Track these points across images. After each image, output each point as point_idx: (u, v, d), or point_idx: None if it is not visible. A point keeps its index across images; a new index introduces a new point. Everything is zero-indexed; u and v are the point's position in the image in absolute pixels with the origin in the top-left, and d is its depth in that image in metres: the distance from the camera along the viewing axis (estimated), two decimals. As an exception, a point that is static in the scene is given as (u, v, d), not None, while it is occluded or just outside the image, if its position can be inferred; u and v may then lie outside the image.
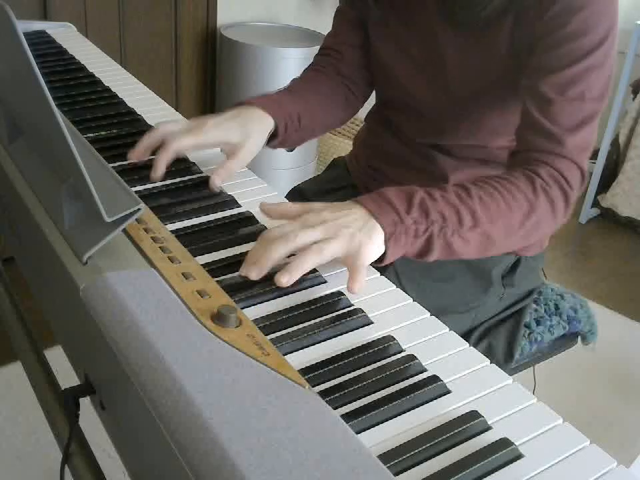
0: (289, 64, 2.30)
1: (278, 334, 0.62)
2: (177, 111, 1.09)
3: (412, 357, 0.61)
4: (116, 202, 0.63)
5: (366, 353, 0.61)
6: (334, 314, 0.65)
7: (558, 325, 1.06)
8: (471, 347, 0.63)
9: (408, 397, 0.56)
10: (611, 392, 1.90)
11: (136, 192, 0.69)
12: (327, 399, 0.55)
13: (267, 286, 0.67)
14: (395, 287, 0.71)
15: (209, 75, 2.48)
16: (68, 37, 1.37)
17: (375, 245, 0.69)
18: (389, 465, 0.49)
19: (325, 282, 0.70)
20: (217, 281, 0.65)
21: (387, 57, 1.01)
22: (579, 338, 1.11)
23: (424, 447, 0.51)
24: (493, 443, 0.52)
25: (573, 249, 2.61)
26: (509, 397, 0.58)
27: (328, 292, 0.69)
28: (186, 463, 0.45)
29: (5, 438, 1.56)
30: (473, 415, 0.55)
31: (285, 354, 0.59)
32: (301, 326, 0.63)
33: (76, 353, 0.70)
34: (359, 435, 0.52)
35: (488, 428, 0.54)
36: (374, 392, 0.57)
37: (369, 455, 0.46)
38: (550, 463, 0.52)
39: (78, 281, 0.60)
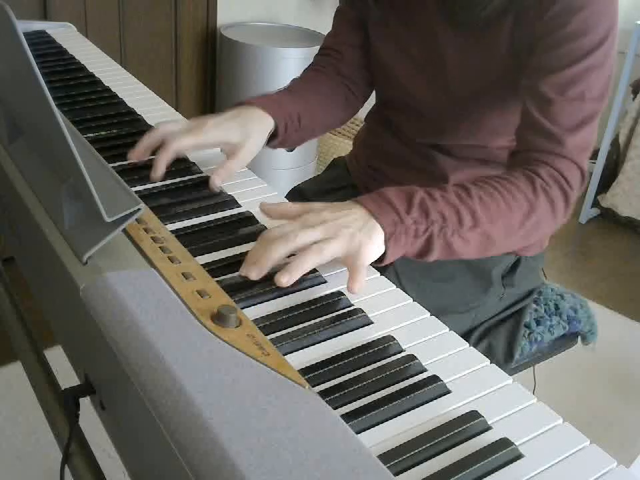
0: (289, 64, 2.30)
1: (278, 334, 0.62)
2: (177, 110, 1.09)
3: (412, 357, 0.61)
4: (116, 202, 0.63)
5: (366, 353, 0.61)
6: (334, 314, 0.65)
7: (558, 325, 1.06)
8: (471, 347, 0.63)
9: (408, 397, 0.56)
10: (611, 392, 1.90)
11: (136, 192, 0.69)
12: (327, 399, 0.55)
13: (267, 286, 0.67)
14: (394, 287, 0.71)
15: (209, 75, 2.48)
16: (68, 37, 1.37)
17: (375, 245, 0.69)
18: (389, 465, 0.49)
19: (325, 282, 0.70)
20: (217, 281, 0.65)
21: (387, 56, 1.01)
22: (579, 338, 1.11)
23: (424, 447, 0.51)
24: (492, 443, 0.52)
25: (572, 249, 2.61)
26: (509, 397, 0.58)
27: (328, 292, 0.69)
28: (186, 463, 0.45)
29: (5, 438, 1.56)
30: (473, 415, 0.55)
31: (285, 354, 0.59)
32: (300, 326, 0.63)
33: (76, 353, 0.70)
34: (359, 435, 0.52)
35: (488, 428, 0.54)
36: (374, 392, 0.57)
37: (369, 455, 0.46)
38: (550, 462, 0.52)
39: (78, 281, 0.60)
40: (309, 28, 2.55)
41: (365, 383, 0.57)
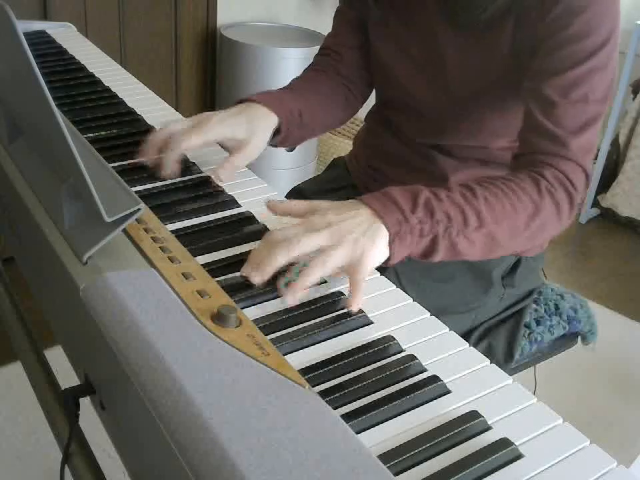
0: (289, 64, 2.30)
1: (278, 334, 0.62)
2: (177, 110, 1.09)
3: (412, 357, 0.61)
4: (116, 202, 0.63)
5: (366, 353, 0.61)
6: (334, 314, 0.65)
7: (558, 325, 1.06)
8: (471, 347, 0.63)
9: (408, 397, 0.56)
10: (611, 392, 1.90)
11: (136, 192, 0.69)
12: (327, 399, 0.55)
13: (267, 286, 0.67)
14: (394, 286, 0.71)
15: (209, 75, 2.48)
16: (68, 37, 1.37)
17: (378, 250, 0.68)
18: (388, 465, 0.49)
19: (325, 282, 0.70)
20: (217, 281, 0.65)
21: (387, 57, 1.01)
22: (579, 338, 1.11)
23: (424, 447, 0.51)
24: (493, 443, 0.52)
25: (573, 249, 2.61)
26: (509, 397, 0.58)
27: (328, 292, 0.69)
28: (186, 463, 0.45)
29: (5, 438, 1.56)
30: (473, 415, 0.55)
31: (285, 354, 0.59)
32: (300, 326, 0.63)
33: (76, 352, 0.70)
34: (359, 435, 0.52)
35: (488, 428, 0.54)
36: (374, 392, 0.57)
37: (369, 455, 0.46)
38: (550, 462, 0.52)
39: (78, 280, 0.60)
40: (309, 28, 2.55)
41: (364, 383, 0.57)
